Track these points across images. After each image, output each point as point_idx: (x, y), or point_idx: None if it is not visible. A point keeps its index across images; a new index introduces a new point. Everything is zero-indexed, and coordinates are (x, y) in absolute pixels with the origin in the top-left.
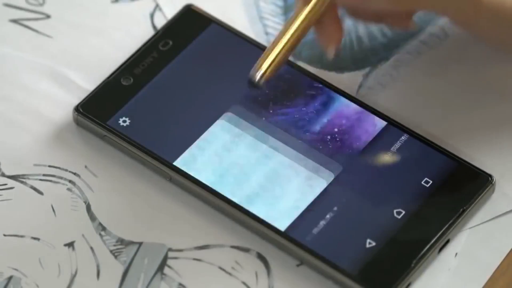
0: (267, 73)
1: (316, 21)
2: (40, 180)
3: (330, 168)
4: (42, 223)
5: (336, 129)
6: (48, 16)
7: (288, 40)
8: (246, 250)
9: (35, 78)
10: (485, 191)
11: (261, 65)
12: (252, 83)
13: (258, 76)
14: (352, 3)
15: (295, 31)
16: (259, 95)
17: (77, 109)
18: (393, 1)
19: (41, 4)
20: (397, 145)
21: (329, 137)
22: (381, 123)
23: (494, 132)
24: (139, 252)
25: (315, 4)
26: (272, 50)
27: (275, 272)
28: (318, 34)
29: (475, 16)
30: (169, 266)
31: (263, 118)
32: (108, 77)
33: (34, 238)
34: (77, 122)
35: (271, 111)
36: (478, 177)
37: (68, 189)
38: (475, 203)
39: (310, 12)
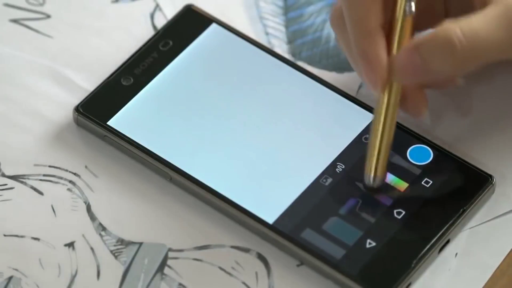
0: (379, 174)
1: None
2: (40, 180)
3: (330, 168)
4: (42, 223)
5: (333, 126)
6: (48, 16)
7: (384, 134)
8: (246, 250)
9: (35, 78)
10: (485, 191)
11: (370, 169)
12: (371, 189)
13: (372, 180)
14: (418, 80)
15: (389, 122)
16: (260, 97)
17: (77, 109)
18: (459, 67)
19: (41, 4)
20: (396, 144)
21: (325, 132)
22: None
23: (494, 132)
24: (139, 252)
25: (396, 92)
26: (374, 150)
27: (275, 272)
28: (407, 111)
29: None
30: (169, 266)
31: (263, 118)
32: (108, 77)
33: (34, 238)
34: (77, 122)
35: (271, 111)
36: (478, 177)
37: (68, 189)
38: (475, 203)
39: (394, 98)
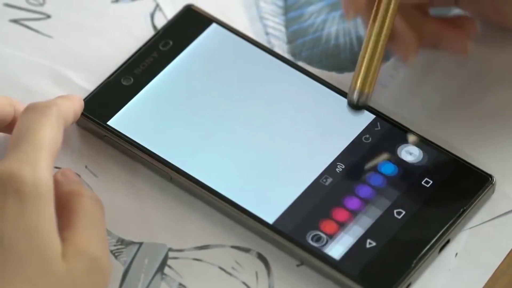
0: (367, 89)
1: (390, 28)
2: None
3: (330, 168)
4: None
5: (333, 126)
6: (48, 16)
7: (373, 50)
8: (246, 250)
9: (35, 78)
10: (485, 191)
11: (355, 84)
12: (353, 106)
13: (355, 97)
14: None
15: (377, 38)
16: (260, 97)
17: None
18: None
19: (41, 4)
20: (396, 144)
21: (325, 132)
22: (381, 123)
23: (495, 132)
24: (140, 252)
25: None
26: (361, 65)
27: (275, 272)
28: (395, 46)
29: None
30: (169, 266)
31: (263, 118)
32: (109, 77)
33: None
34: (77, 122)
35: (271, 111)
36: (478, 177)
37: None
38: (475, 203)
39: (385, 17)
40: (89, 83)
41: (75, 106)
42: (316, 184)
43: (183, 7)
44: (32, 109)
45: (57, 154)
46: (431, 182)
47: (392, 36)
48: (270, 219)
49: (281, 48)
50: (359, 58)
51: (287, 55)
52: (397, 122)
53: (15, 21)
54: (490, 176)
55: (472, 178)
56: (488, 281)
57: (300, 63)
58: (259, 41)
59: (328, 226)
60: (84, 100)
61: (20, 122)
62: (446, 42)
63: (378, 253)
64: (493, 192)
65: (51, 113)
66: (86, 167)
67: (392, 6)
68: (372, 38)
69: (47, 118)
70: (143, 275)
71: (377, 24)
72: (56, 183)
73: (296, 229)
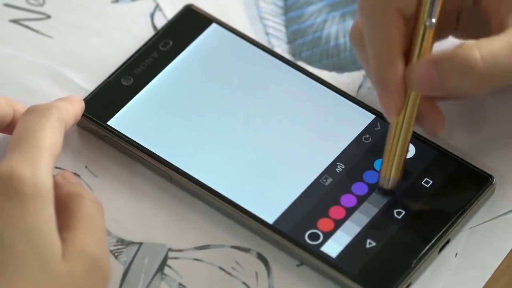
0: (394, 177)
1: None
2: None
3: (330, 168)
4: None
5: (333, 126)
6: (48, 16)
7: (403, 141)
8: (246, 250)
9: (35, 78)
10: (485, 191)
11: (385, 173)
12: (385, 191)
13: (387, 184)
14: (433, 94)
15: (405, 128)
16: (260, 97)
17: None
18: (472, 92)
19: (41, 4)
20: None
21: (325, 132)
22: (381, 123)
23: (495, 132)
24: (139, 252)
25: (413, 101)
26: (389, 154)
27: (275, 272)
28: (423, 126)
29: None
30: (169, 266)
31: (263, 118)
32: (108, 77)
33: None
34: (77, 123)
35: (271, 111)
36: (478, 177)
37: None
38: (475, 203)
39: (410, 111)
40: (89, 83)
41: (76, 108)
42: (316, 184)
43: (183, 7)
44: (32, 111)
45: (57, 156)
46: (431, 182)
47: (418, 117)
48: (270, 219)
49: (281, 48)
50: (387, 146)
51: (287, 55)
52: None
53: (15, 21)
54: (490, 176)
55: (472, 178)
56: (488, 281)
57: (300, 63)
58: (259, 41)
59: (328, 226)
60: (84, 100)
61: (21, 124)
62: (424, 123)
63: (378, 253)
64: (493, 192)
65: (52, 115)
66: (86, 167)
67: (417, 100)
68: (403, 131)
69: (48, 120)
70: (143, 275)
71: (405, 118)
72: (56, 185)
73: (296, 229)
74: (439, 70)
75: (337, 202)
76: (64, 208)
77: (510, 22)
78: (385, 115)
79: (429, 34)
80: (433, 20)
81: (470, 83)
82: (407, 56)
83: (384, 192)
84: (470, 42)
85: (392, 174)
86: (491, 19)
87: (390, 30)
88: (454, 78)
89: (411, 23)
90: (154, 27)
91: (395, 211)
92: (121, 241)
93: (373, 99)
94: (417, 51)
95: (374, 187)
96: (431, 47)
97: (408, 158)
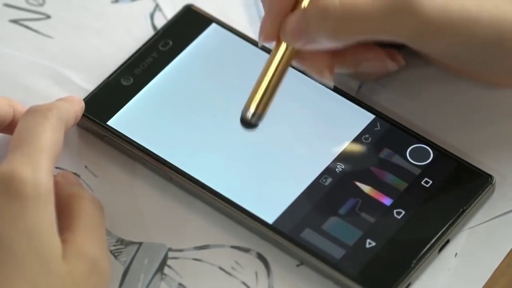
0: (259, 110)
1: (296, 55)
2: None
3: (330, 168)
4: None
5: (333, 126)
6: (48, 17)
7: (273, 75)
8: (246, 250)
9: (35, 79)
10: (485, 191)
11: (250, 104)
12: (245, 123)
13: (250, 115)
14: (298, 46)
15: (277, 67)
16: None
17: None
18: (333, 36)
19: (41, 5)
20: (396, 144)
21: (325, 132)
22: (381, 123)
23: (495, 132)
24: (139, 252)
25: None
26: (259, 87)
27: (275, 272)
28: (306, 67)
29: (423, 35)
30: (169, 266)
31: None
32: (108, 77)
33: None
34: (77, 123)
35: (271, 111)
36: (478, 177)
37: None
38: (475, 203)
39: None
40: (89, 83)
41: (76, 108)
42: (316, 184)
43: (183, 7)
44: (33, 111)
45: (58, 156)
46: (431, 182)
47: (303, 58)
48: (270, 219)
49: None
50: (258, 79)
51: None
52: (397, 122)
53: (15, 21)
54: (490, 176)
55: (472, 178)
56: (487, 281)
57: None
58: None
59: (327, 226)
60: (84, 100)
61: (21, 125)
62: (364, 64)
63: (378, 253)
64: (493, 192)
65: (52, 115)
66: (86, 167)
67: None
68: (273, 65)
69: (48, 120)
70: (143, 275)
71: (275, 58)
72: (56, 185)
73: (296, 229)
74: (304, 17)
75: (337, 203)
76: (65, 208)
77: None
78: (258, 39)
79: None
80: None
81: (329, 26)
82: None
83: (244, 123)
84: None
85: (253, 107)
86: None
87: None
88: (314, 23)
89: None
90: (154, 27)
91: (395, 211)
92: (120, 241)
93: (373, 99)
94: None
95: (375, 187)
96: None
97: (408, 158)
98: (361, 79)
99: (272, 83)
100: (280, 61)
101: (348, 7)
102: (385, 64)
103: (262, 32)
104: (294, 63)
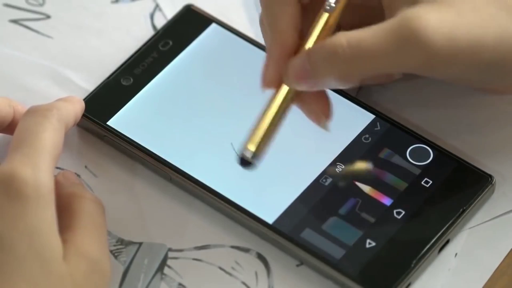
0: (258, 151)
1: (297, 98)
2: None
3: (330, 168)
4: None
5: (333, 126)
6: (48, 17)
7: (274, 116)
8: (246, 250)
9: (35, 79)
10: (485, 191)
11: (250, 144)
12: (244, 162)
13: (250, 155)
14: (303, 89)
15: (278, 109)
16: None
17: None
18: (343, 79)
19: (41, 5)
20: (396, 144)
21: (325, 132)
22: (381, 123)
23: (494, 132)
24: (139, 252)
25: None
26: (259, 127)
27: (275, 272)
28: (305, 112)
29: (432, 66)
30: (169, 266)
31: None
32: (108, 77)
33: None
34: (77, 123)
35: None
36: (478, 177)
37: None
38: (475, 203)
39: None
40: (89, 83)
41: (76, 108)
42: (316, 184)
43: (183, 7)
44: (33, 112)
45: (58, 156)
46: (431, 182)
47: (303, 102)
48: (270, 219)
49: None
50: (259, 118)
51: None
52: (397, 122)
53: (15, 21)
54: (490, 176)
55: (472, 178)
56: (487, 281)
57: None
58: (259, 41)
59: (327, 226)
60: (84, 100)
61: (22, 125)
62: (307, 109)
63: (378, 253)
64: (493, 192)
65: (52, 116)
66: (86, 167)
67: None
68: (274, 106)
69: (48, 121)
70: (143, 275)
71: (277, 100)
72: (57, 185)
73: (296, 229)
74: (310, 60)
75: (336, 202)
76: (65, 208)
77: (396, 14)
78: (261, 84)
79: (326, 18)
80: (332, 4)
81: (338, 69)
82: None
83: (241, 162)
84: (343, 31)
85: (253, 147)
86: (386, 15)
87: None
88: (322, 66)
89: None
90: (154, 27)
91: (395, 211)
92: (120, 241)
93: (373, 99)
94: (312, 38)
95: (375, 187)
96: (327, 34)
97: (408, 158)
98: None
99: (272, 124)
100: (282, 102)
101: (356, 47)
102: (391, 75)
103: (264, 79)
104: (293, 104)
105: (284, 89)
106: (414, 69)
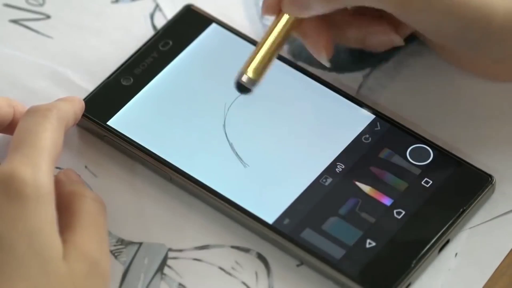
0: (255, 76)
1: (299, 30)
2: None
3: (330, 168)
4: None
5: (333, 126)
6: (48, 17)
7: (272, 42)
8: (246, 250)
9: (35, 79)
10: (485, 191)
11: (247, 68)
12: (240, 86)
13: (246, 79)
14: (295, 14)
15: (278, 34)
16: (259, 94)
17: None
18: (325, 1)
19: (41, 5)
20: (396, 144)
21: (325, 132)
22: (381, 123)
23: (494, 132)
24: (139, 252)
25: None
26: (257, 53)
27: (275, 272)
28: (306, 43)
29: (409, 6)
30: (169, 266)
31: (262, 116)
32: (108, 77)
33: None
34: (77, 123)
35: (271, 111)
36: (478, 177)
37: None
38: (475, 203)
39: (285, 24)
40: (89, 83)
41: (76, 108)
42: (316, 184)
43: (183, 7)
44: (33, 112)
45: (58, 156)
46: (431, 182)
47: (305, 34)
48: (270, 219)
49: None
50: (257, 46)
51: (287, 56)
52: (397, 122)
53: (15, 21)
54: (490, 176)
55: (472, 178)
56: (487, 281)
57: (300, 63)
58: (259, 41)
59: (327, 226)
60: (84, 100)
61: (21, 125)
62: (370, 37)
63: (378, 253)
64: (493, 192)
65: (52, 115)
66: (86, 167)
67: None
68: (273, 33)
69: (48, 121)
70: (143, 275)
71: (276, 28)
72: (58, 183)
73: (296, 229)
74: None
75: (337, 202)
76: (66, 207)
77: None
78: (261, 11)
79: None
80: None
81: None
82: None
83: (238, 87)
84: None
85: (249, 73)
86: None
87: None
88: None
89: None
90: (154, 27)
91: (395, 211)
92: (121, 241)
93: (373, 99)
94: None
95: (375, 187)
96: None
97: (408, 158)
98: (369, 49)
99: (270, 52)
100: (280, 30)
101: None
102: (390, 37)
103: (264, 5)
104: (296, 36)
105: (284, 18)
106: (392, 5)
